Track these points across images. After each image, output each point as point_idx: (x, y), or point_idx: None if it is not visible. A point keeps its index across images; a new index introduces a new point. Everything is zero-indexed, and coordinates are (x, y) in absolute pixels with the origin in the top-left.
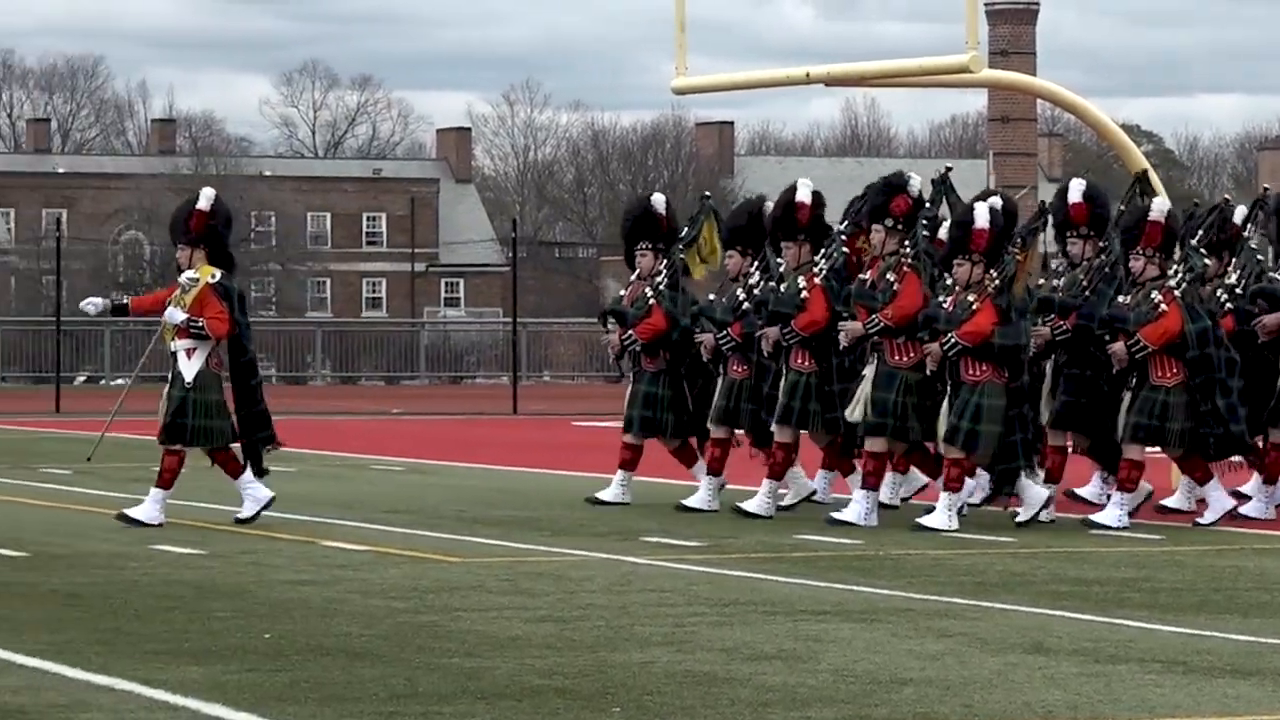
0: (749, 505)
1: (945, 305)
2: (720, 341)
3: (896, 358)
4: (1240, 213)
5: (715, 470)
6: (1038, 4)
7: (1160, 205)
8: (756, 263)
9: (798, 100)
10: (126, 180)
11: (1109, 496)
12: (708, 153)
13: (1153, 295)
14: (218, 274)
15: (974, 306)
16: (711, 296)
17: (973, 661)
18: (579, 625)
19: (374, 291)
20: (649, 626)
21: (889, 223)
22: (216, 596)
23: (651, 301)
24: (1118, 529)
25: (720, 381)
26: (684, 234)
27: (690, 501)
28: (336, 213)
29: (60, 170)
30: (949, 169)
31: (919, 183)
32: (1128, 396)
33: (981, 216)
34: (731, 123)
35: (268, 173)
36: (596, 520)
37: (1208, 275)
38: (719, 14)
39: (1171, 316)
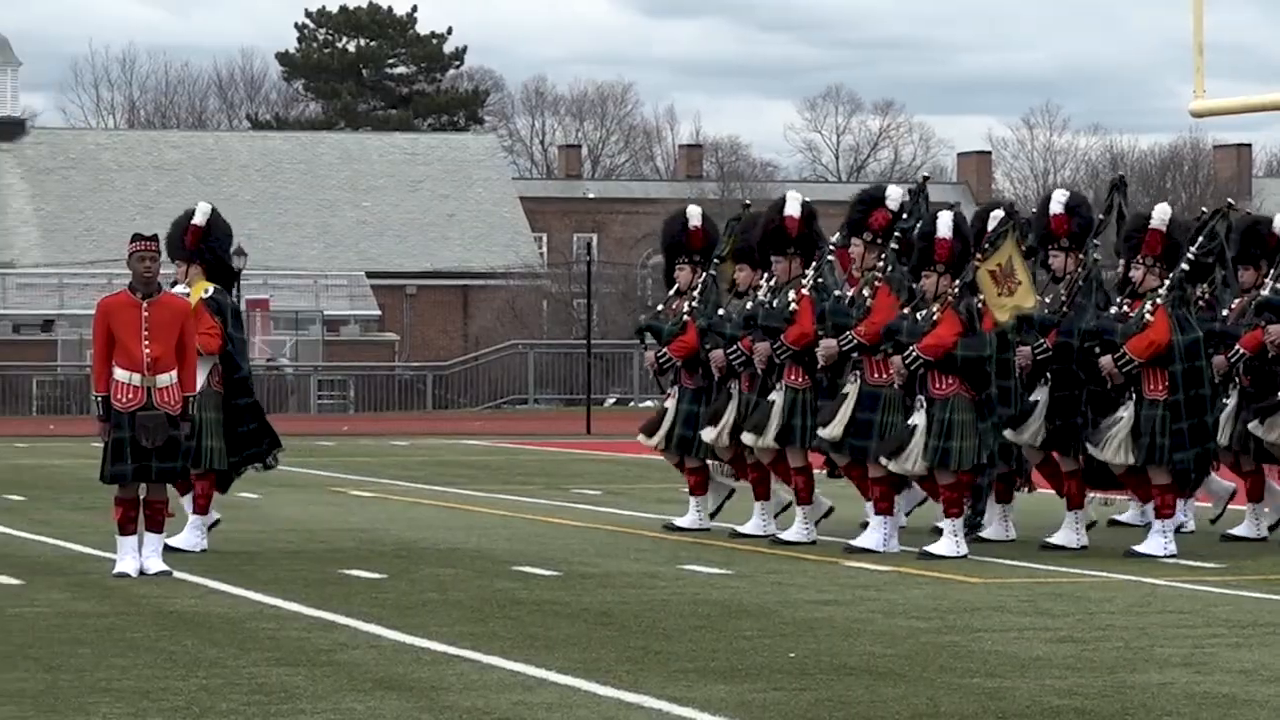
0: (788, 535)
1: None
2: (730, 357)
3: (877, 376)
4: (1279, 222)
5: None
6: None
7: (1161, 213)
8: (765, 275)
9: None
10: (654, 205)
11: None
12: (1225, 175)
13: (1146, 306)
14: (211, 289)
15: (935, 318)
16: (721, 311)
17: None
18: (1099, 646)
19: None
20: (1168, 648)
21: (867, 237)
22: (743, 616)
23: (686, 318)
24: (1164, 557)
25: (736, 398)
26: (719, 248)
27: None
28: None
29: (590, 195)
30: (926, 178)
31: (899, 195)
32: (1125, 415)
33: (944, 226)
34: (1249, 144)
35: None
36: (1114, 538)
37: (1244, 286)
38: (1237, 36)
39: (1157, 327)
